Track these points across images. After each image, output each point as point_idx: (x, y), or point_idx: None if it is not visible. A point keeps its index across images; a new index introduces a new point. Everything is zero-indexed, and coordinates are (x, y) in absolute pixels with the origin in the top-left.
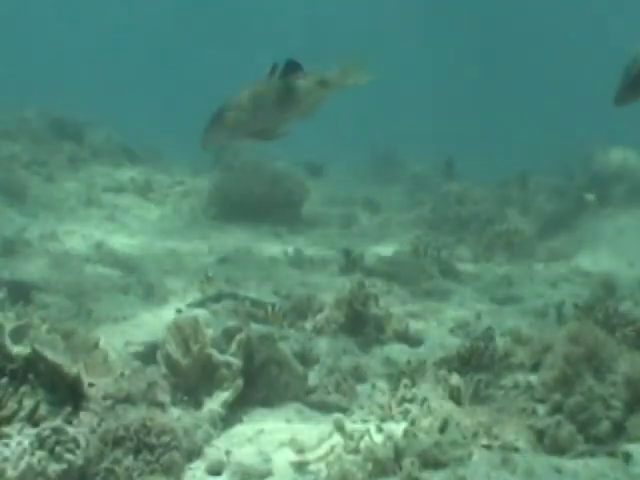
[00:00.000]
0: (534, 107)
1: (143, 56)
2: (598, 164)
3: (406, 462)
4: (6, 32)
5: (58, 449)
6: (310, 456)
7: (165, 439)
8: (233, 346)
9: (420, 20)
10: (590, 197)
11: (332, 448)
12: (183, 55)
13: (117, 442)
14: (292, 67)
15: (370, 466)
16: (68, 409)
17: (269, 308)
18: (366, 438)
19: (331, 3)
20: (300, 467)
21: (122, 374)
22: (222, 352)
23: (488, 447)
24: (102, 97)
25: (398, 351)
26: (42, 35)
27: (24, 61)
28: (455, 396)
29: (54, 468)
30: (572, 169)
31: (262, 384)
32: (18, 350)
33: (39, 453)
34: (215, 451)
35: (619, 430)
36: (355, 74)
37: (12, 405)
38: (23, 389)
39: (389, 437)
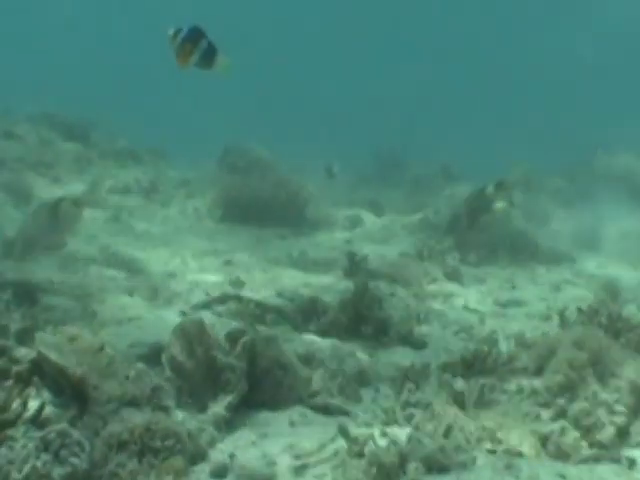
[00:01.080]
0: (534, 109)
1: (145, 56)
2: (601, 167)
3: (410, 467)
4: (7, 30)
5: (63, 452)
6: (313, 460)
7: (169, 442)
8: (237, 349)
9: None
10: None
11: (336, 452)
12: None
13: (121, 445)
14: (195, 33)
15: (374, 471)
16: (73, 412)
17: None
18: (370, 442)
19: None
20: (304, 471)
21: (127, 377)
22: (226, 355)
23: (492, 452)
24: (107, 98)
25: (402, 354)
26: (44, 35)
27: (27, 62)
28: (459, 400)
29: (59, 471)
30: (574, 171)
31: (266, 387)
32: (23, 352)
33: (44, 456)
34: (219, 454)
35: (623, 435)
36: None
37: (17, 407)
38: (28, 391)
39: (393, 442)
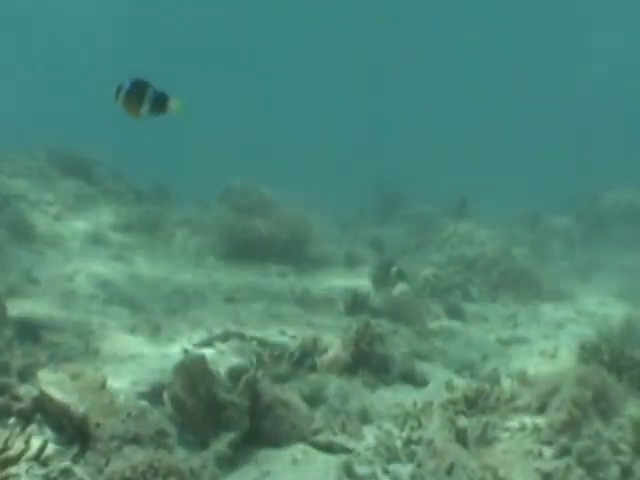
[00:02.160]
0: (538, 147)
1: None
2: (605, 204)
3: None
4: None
5: None
6: None
7: None
8: (239, 386)
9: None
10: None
11: None
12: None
13: None
14: (139, 85)
15: None
16: (75, 449)
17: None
18: None
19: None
20: None
21: (129, 414)
22: (228, 392)
23: None
24: (108, 135)
25: (404, 392)
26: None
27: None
28: (461, 438)
29: None
30: (579, 209)
31: (268, 424)
32: (25, 390)
33: None
34: None
35: (627, 474)
36: None
37: (19, 445)
38: (30, 429)
39: (396, 479)
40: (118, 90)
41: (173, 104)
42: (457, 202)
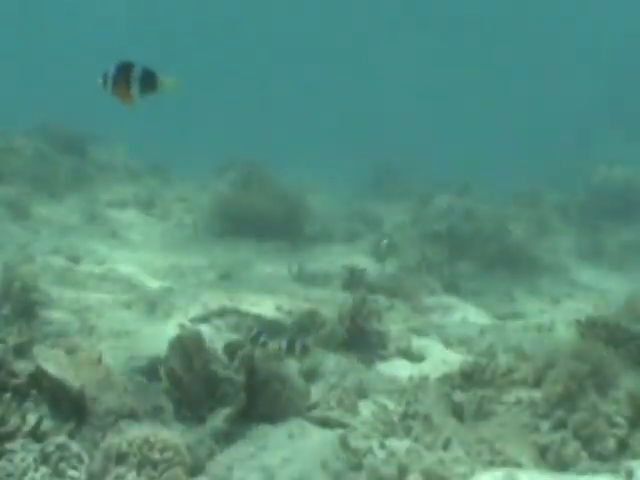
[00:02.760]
0: (530, 121)
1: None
2: (600, 179)
3: (409, 479)
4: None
5: (62, 465)
6: (314, 473)
7: (168, 455)
8: (236, 362)
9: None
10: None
11: (336, 465)
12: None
13: (120, 458)
14: (124, 67)
15: None
16: (71, 424)
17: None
18: (369, 455)
19: None
20: None
21: (125, 389)
22: (225, 367)
23: (491, 463)
24: (105, 112)
25: (400, 367)
26: (45, 47)
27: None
28: (458, 412)
29: None
30: (573, 185)
31: (264, 400)
32: (21, 366)
33: (42, 469)
34: (217, 467)
35: (623, 447)
36: None
37: (15, 421)
38: (26, 405)
39: (392, 454)
40: (104, 77)
41: (166, 81)
42: (460, 184)
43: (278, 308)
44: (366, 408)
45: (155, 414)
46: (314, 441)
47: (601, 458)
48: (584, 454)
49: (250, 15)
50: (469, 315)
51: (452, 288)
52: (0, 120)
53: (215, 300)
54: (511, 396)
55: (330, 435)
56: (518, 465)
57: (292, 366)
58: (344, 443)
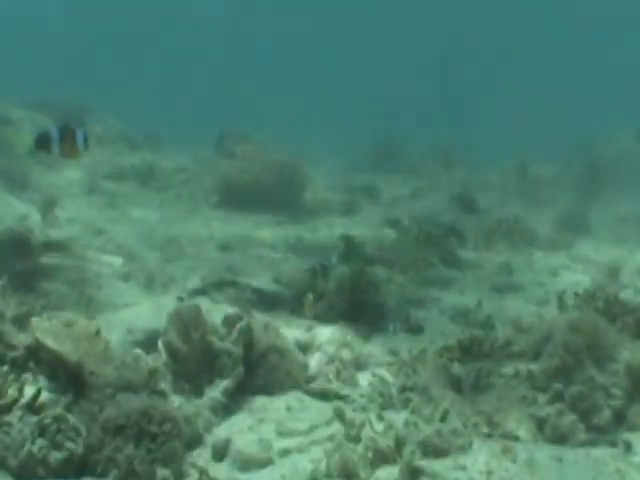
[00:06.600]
0: (531, 93)
1: (144, 43)
2: (598, 151)
3: (406, 451)
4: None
5: (59, 437)
6: (311, 445)
7: (166, 427)
8: (234, 334)
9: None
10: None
11: (332, 436)
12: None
13: (118, 430)
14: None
15: (371, 455)
16: (69, 397)
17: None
18: (367, 427)
19: None
20: (301, 455)
21: (123, 362)
22: (223, 340)
23: (489, 436)
24: (103, 83)
25: (399, 339)
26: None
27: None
28: (456, 385)
29: (55, 456)
30: (572, 156)
31: (263, 372)
32: (19, 338)
33: (40, 441)
34: (216, 439)
35: (620, 419)
36: None
37: (13, 393)
38: (24, 377)
39: (390, 426)
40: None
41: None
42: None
43: (276, 280)
44: (364, 380)
45: (153, 387)
46: (312, 413)
47: (599, 430)
48: (581, 427)
49: None
50: (467, 287)
51: (450, 260)
52: None
53: (213, 272)
54: (509, 369)
55: (328, 407)
56: (516, 438)
57: (290, 338)
58: (341, 415)
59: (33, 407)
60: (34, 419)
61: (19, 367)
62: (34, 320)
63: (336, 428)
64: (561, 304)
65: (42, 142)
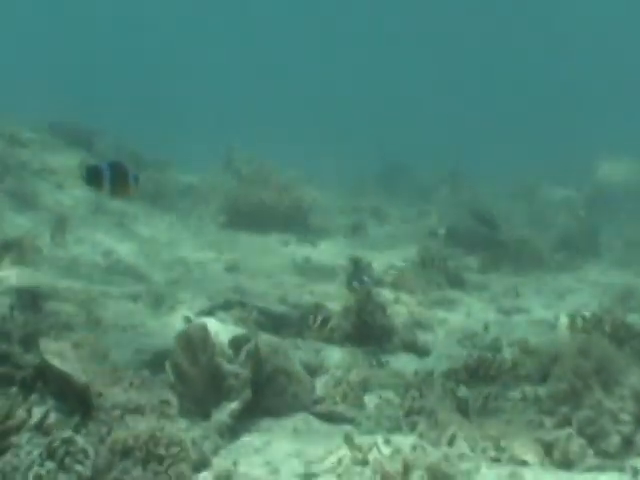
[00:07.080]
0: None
1: (149, 61)
2: (603, 175)
3: (414, 475)
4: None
5: (67, 460)
6: (318, 468)
7: (174, 450)
8: (241, 356)
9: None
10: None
11: (340, 460)
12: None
13: (126, 452)
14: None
15: (378, 479)
16: (77, 419)
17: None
18: (374, 450)
19: None
20: (308, 479)
21: (131, 384)
22: (230, 361)
23: (496, 460)
24: (110, 104)
25: (405, 361)
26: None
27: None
28: (463, 408)
29: (63, 479)
30: (579, 179)
31: (270, 394)
32: (27, 358)
33: (48, 464)
34: (223, 462)
35: (628, 444)
36: None
37: (21, 414)
38: (32, 398)
39: (397, 450)
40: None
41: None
42: (449, 173)
43: (283, 301)
44: (371, 403)
45: (161, 409)
46: (319, 436)
47: (607, 456)
48: (590, 452)
49: None
50: (474, 309)
51: (457, 282)
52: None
53: (220, 293)
54: (516, 392)
55: (335, 430)
56: (523, 462)
57: (297, 361)
58: (349, 439)
59: (41, 428)
60: (43, 441)
61: (27, 388)
62: (42, 341)
63: (343, 452)
64: (571, 326)
65: (94, 178)
